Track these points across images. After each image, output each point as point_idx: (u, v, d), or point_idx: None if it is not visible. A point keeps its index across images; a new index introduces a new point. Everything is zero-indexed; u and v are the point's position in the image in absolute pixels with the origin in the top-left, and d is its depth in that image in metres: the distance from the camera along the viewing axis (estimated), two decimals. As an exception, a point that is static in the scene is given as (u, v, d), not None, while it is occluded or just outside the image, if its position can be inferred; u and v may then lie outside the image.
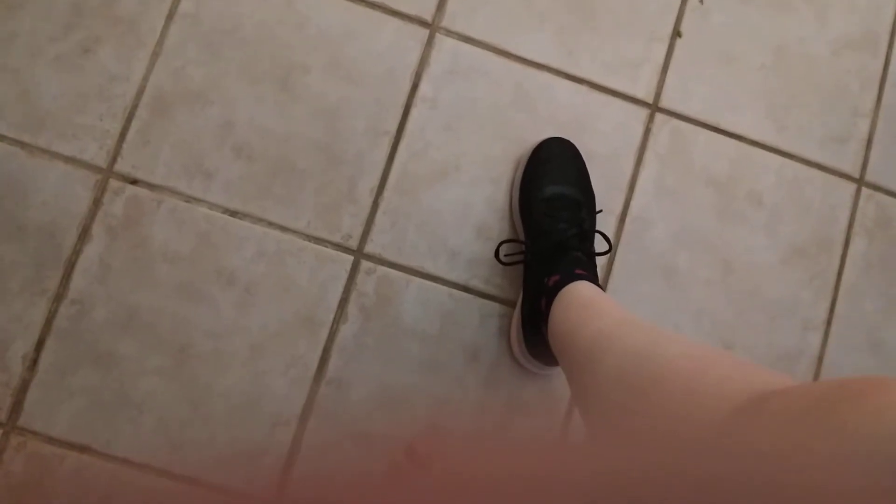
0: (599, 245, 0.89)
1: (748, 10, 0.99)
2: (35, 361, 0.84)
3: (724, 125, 0.97)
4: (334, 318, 0.89)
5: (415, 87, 0.93)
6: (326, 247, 0.90)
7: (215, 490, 0.85)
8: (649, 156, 0.96)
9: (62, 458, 0.82)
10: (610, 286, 0.93)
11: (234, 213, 0.89)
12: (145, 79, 0.90)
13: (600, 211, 0.90)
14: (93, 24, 0.90)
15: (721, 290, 0.95)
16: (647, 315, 0.93)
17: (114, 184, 0.88)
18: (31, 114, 0.87)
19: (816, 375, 0.96)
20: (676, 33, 0.98)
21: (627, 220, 0.94)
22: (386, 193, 0.91)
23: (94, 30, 0.90)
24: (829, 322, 0.96)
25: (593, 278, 0.79)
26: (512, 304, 0.91)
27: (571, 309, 0.73)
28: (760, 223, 0.96)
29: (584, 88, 0.96)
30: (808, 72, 1.00)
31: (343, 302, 0.89)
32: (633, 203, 0.95)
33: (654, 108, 0.96)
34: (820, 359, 0.95)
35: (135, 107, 0.89)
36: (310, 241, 0.89)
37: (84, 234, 0.87)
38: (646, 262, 0.94)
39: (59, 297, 0.85)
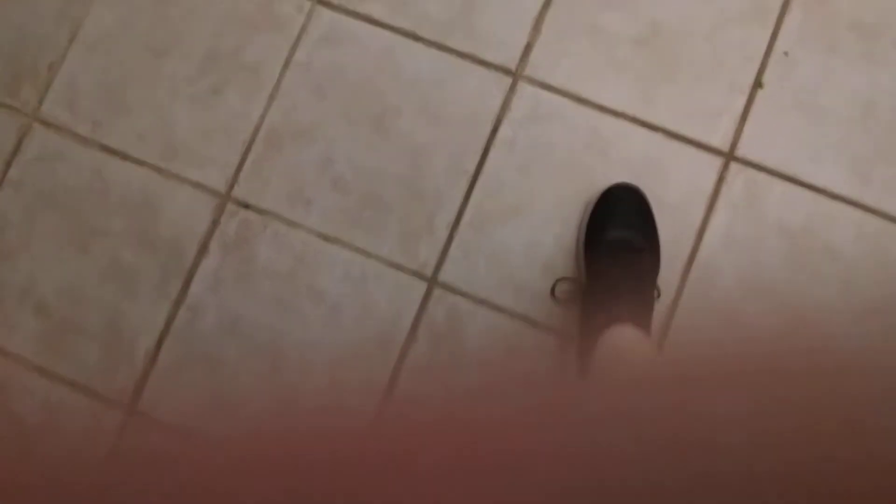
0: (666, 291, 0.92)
1: (835, 63, 0.98)
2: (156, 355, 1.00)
3: (802, 177, 0.97)
4: (406, 339, 0.98)
5: (495, 130, 1.00)
6: (404, 273, 0.99)
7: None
8: (721, 204, 0.97)
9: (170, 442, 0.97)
10: (671, 332, 0.95)
11: (326, 238, 1.00)
12: (262, 117, 1.03)
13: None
14: (223, 69, 1.05)
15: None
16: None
17: (230, 207, 1.02)
18: (168, 143, 1.03)
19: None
20: (758, 84, 0.99)
21: (694, 267, 0.97)
22: (461, 228, 0.99)
23: (224, 74, 1.04)
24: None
25: (642, 323, 0.83)
26: (572, 339, 0.96)
27: (605, 351, 0.78)
28: (835, 277, 0.95)
29: (658, 136, 0.99)
30: (902, 125, 0.98)
31: (415, 325, 0.98)
32: (700, 251, 0.97)
33: (730, 157, 0.98)
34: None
35: (252, 142, 1.03)
36: (390, 266, 0.99)
37: (203, 250, 1.01)
38: (710, 310, 0.96)
39: (178, 303, 1.00)
